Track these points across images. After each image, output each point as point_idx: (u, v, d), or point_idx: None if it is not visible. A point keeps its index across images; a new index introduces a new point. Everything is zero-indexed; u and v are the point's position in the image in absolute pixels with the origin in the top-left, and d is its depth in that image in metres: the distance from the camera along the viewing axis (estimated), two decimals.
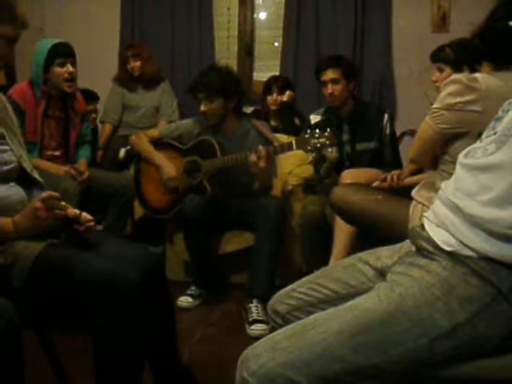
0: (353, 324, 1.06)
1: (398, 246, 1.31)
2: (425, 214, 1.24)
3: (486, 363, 1.08)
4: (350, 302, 1.14)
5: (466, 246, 1.07)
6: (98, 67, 3.93)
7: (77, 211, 1.51)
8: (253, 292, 2.53)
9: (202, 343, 2.29)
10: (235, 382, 1.08)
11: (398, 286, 1.11)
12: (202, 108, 2.72)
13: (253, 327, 2.39)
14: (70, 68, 2.74)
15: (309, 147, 2.40)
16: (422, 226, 1.22)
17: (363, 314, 1.08)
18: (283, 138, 3.00)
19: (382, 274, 1.26)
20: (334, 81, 2.80)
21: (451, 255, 1.09)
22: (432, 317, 1.05)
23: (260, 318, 2.42)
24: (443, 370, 1.08)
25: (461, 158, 1.21)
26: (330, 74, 2.80)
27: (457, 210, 1.12)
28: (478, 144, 1.19)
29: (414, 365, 1.06)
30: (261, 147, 2.49)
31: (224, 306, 2.72)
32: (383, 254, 1.30)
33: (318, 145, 2.38)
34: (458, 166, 1.21)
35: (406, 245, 1.28)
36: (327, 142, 2.37)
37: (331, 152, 2.52)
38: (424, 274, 1.10)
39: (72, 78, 2.76)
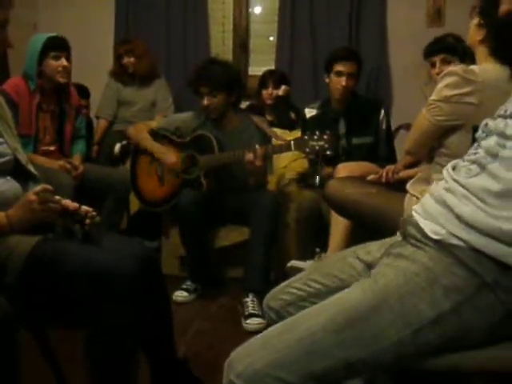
0: (337, 319, 1.06)
1: (387, 239, 1.31)
2: (413, 206, 1.23)
3: (471, 355, 1.08)
4: (335, 296, 1.13)
5: (454, 235, 1.07)
6: (92, 62, 3.90)
7: (76, 204, 1.50)
8: (249, 286, 2.53)
9: (197, 337, 2.29)
10: None
11: (383, 277, 1.10)
12: (205, 102, 2.69)
13: (249, 321, 2.39)
14: (64, 62, 2.73)
15: (307, 149, 2.38)
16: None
17: (347, 308, 1.07)
18: (281, 132, 3.00)
19: (371, 267, 1.25)
20: (351, 75, 2.80)
21: (438, 244, 1.09)
22: (416, 307, 1.04)
23: (256, 312, 2.42)
24: (428, 361, 1.07)
25: (449, 169, 1.22)
26: (349, 68, 2.80)
27: (445, 205, 1.12)
28: (461, 162, 1.20)
29: (399, 357, 1.06)
30: (258, 147, 2.48)
31: (220, 300, 2.72)
32: (372, 248, 1.30)
33: (317, 147, 2.36)
34: (445, 173, 1.21)
35: (394, 238, 1.28)
36: (326, 145, 2.35)
37: (329, 154, 2.47)
38: (409, 265, 1.10)
39: (66, 72, 2.75)
